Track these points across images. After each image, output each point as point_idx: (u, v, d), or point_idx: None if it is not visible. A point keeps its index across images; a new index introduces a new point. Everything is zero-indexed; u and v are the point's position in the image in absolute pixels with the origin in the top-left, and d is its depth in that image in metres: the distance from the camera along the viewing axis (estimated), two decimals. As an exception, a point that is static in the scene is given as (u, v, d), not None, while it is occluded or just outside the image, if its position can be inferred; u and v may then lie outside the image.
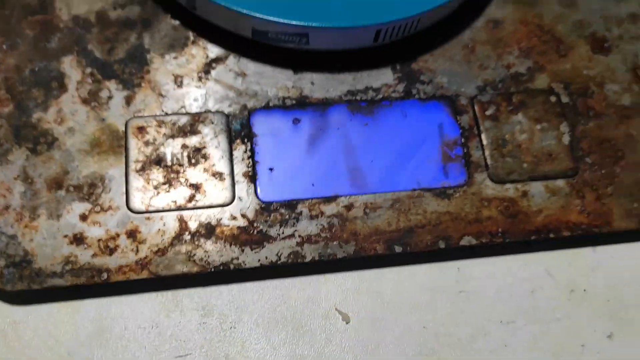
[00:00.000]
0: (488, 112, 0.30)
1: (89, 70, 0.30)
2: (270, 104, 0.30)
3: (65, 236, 0.27)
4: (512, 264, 0.30)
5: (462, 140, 0.30)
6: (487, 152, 0.30)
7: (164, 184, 0.28)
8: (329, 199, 0.28)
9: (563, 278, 0.30)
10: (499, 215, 0.29)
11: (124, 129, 0.29)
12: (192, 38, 0.31)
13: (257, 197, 0.28)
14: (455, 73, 0.31)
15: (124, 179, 0.28)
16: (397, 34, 0.30)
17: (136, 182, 0.28)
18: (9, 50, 0.30)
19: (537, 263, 0.30)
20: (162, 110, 0.29)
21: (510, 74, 0.31)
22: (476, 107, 0.30)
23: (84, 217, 0.27)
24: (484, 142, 0.30)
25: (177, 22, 0.31)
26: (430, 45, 0.32)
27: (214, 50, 0.31)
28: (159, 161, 0.28)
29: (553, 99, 0.31)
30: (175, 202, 0.28)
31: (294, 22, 0.28)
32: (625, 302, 0.30)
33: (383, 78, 0.31)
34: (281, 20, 0.28)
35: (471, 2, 0.32)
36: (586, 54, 0.32)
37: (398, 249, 0.28)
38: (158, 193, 0.28)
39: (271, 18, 0.28)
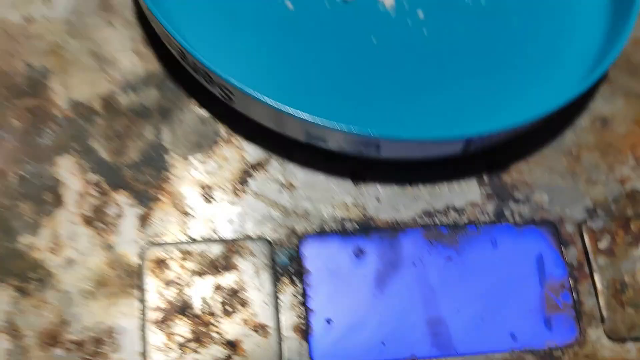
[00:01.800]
0: (601, 245, 0.24)
1: (92, 176, 0.23)
2: (326, 228, 0.23)
3: (59, 416, 0.20)
4: None
5: (570, 282, 0.24)
6: (602, 300, 0.23)
7: (192, 340, 0.21)
8: (403, 363, 0.22)
9: None
10: (616, 384, 0.23)
11: (138, 261, 0.22)
12: (224, 134, 0.24)
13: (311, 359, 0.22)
14: (558, 189, 0.25)
15: (139, 333, 0.21)
16: (490, 143, 0.23)
17: (155, 338, 0.21)
18: (-11, 148, 0.23)
19: None
20: (188, 235, 0.23)
21: (626, 192, 0.25)
22: (586, 237, 0.24)
23: (84, 388, 0.21)
24: (598, 285, 0.24)
25: (205, 113, 0.24)
26: (525, 150, 0.25)
27: (252, 152, 0.24)
28: (184, 309, 0.22)
29: (681, 225, 0.25)
30: (204, 366, 0.21)
31: (365, 133, 0.21)
32: None
33: (468, 194, 0.24)
34: (348, 129, 0.21)
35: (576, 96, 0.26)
36: None
37: None
38: (184, 353, 0.21)
39: (334, 125, 0.21)
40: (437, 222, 0.24)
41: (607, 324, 0.23)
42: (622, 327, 0.23)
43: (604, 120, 0.26)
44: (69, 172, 0.23)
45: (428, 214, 0.24)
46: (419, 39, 0.26)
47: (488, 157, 0.25)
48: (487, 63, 0.26)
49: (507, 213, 0.24)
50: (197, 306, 0.22)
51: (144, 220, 0.23)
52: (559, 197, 0.25)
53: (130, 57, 0.25)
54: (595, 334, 0.23)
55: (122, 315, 0.22)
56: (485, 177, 0.25)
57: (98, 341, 0.21)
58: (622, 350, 0.23)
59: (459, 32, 0.27)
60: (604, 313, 0.23)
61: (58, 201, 0.23)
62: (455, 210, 0.24)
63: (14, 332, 0.21)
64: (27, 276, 0.22)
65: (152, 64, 0.25)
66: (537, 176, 0.25)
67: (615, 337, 0.23)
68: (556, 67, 0.26)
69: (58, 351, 0.21)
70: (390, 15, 0.27)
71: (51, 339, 0.21)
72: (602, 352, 0.23)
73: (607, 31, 0.27)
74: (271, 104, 0.21)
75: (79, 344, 0.21)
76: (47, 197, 0.23)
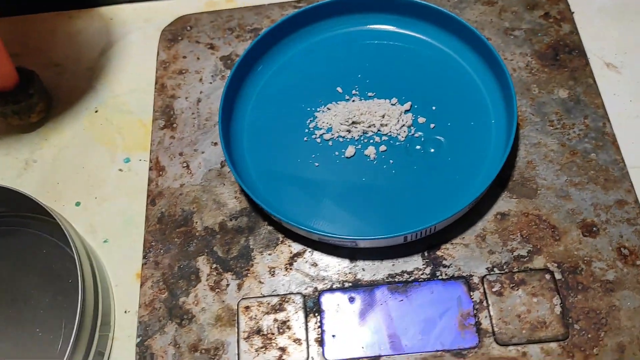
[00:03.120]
0: (494, 289, 0.41)
1: (214, 266, 0.44)
2: (334, 286, 0.42)
3: (199, 385, 0.41)
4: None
5: (474, 311, 0.40)
6: (494, 321, 0.40)
7: (262, 347, 0.41)
8: (374, 358, 0.40)
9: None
10: (502, 371, 0.38)
11: (236, 308, 0.43)
12: (281, 239, 0.45)
13: (324, 357, 0.40)
14: (470, 258, 0.42)
15: (236, 344, 0.41)
16: (421, 235, 0.41)
17: (244, 346, 0.41)
18: (165, 254, 0.45)
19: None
20: (261, 293, 0.43)
21: (514, 257, 0.42)
22: (485, 285, 0.41)
23: (210, 372, 0.41)
24: (491, 313, 0.40)
25: (271, 227, 0.45)
26: (451, 236, 0.43)
27: (295, 247, 0.44)
28: (258, 331, 0.42)
29: (548, 276, 0.40)
30: (269, 361, 0.41)
31: (345, 236, 0.41)
32: None
33: (414, 263, 0.42)
34: (337, 236, 0.41)
35: (483, 200, 0.43)
36: (577, 237, 0.42)
37: (424, 397, 0.38)
38: (258, 354, 0.41)
39: (332, 234, 0.41)
40: (396, 280, 0.42)
41: (497, 335, 0.39)
42: (505, 337, 0.39)
43: (503, 214, 0.43)
44: (202, 264, 0.45)
45: (391, 276, 0.42)
46: (389, 174, 0.45)
47: (428, 241, 0.43)
48: (430, 183, 0.44)
49: (437, 274, 0.42)
50: (265, 329, 0.42)
51: (239, 286, 0.43)
52: (470, 262, 0.42)
53: (232, 201, 0.47)
54: (489, 341, 0.39)
55: (228, 335, 0.42)
56: (426, 253, 0.43)
57: (216, 349, 0.42)
58: (506, 351, 0.39)
59: (413, 167, 0.45)
60: (495, 329, 0.39)
61: (198, 279, 0.44)
62: (407, 273, 0.42)
63: (176, 345, 0.42)
64: (183, 317, 0.43)
65: (244, 203, 0.46)
66: (457, 251, 0.42)
67: (502, 343, 0.39)
68: (469, 185, 0.44)
69: (196, 354, 0.42)
70: (373, 163, 0.46)
71: (194, 348, 0.42)
72: (493, 352, 0.39)
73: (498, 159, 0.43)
74: (301, 227, 0.41)
75: (207, 351, 0.42)
76: (192, 277, 0.44)
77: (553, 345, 0.39)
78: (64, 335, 0.45)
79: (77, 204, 0.51)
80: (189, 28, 0.55)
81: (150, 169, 0.49)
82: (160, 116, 0.51)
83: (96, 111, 0.55)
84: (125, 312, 0.46)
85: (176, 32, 0.55)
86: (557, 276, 0.41)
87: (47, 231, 0.49)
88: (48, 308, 0.46)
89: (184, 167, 0.48)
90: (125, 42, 0.58)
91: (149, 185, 0.48)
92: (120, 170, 0.51)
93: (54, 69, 0.57)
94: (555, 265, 0.41)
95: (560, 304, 0.40)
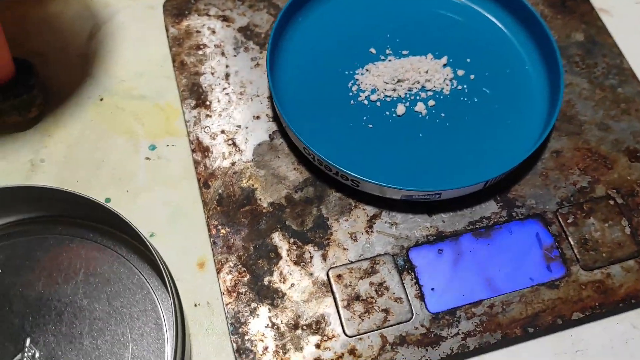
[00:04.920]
0: (569, 220, 0.43)
1: (292, 240, 0.43)
2: (419, 242, 0.43)
3: (310, 361, 0.40)
4: (608, 325, 0.42)
5: (556, 244, 0.43)
6: (575, 250, 0.43)
7: (365, 312, 0.41)
8: (476, 303, 0.41)
9: (645, 328, 0.42)
10: (594, 293, 0.41)
11: (326, 278, 0.42)
12: (353, 204, 0.44)
13: (428, 310, 0.41)
14: (539, 195, 0.44)
15: (337, 314, 0.41)
16: (497, 180, 0.43)
17: (346, 314, 0.41)
18: (235, 235, 0.43)
19: (625, 321, 0.42)
20: (349, 260, 0.42)
21: (577, 189, 0.45)
22: (560, 219, 0.43)
23: (317, 346, 0.40)
24: (572, 242, 0.43)
25: (340, 194, 0.45)
26: (517, 178, 0.45)
27: (371, 210, 0.44)
28: (357, 297, 0.41)
29: (611, 202, 0.44)
30: (375, 324, 0.40)
31: (430, 190, 0.41)
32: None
33: (490, 208, 0.44)
34: (424, 190, 0.41)
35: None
36: (626, 163, 0.45)
37: (531, 330, 0.40)
38: (362, 320, 0.41)
39: (418, 189, 0.41)
40: (477, 227, 0.43)
41: (581, 262, 0.42)
42: (589, 262, 0.42)
43: (557, 152, 0.46)
44: (279, 240, 0.43)
45: (472, 223, 0.44)
46: (444, 127, 0.47)
47: (498, 186, 0.45)
48: (485, 133, 0.46)
49: (513, 214, 0.44)
50: (363, 294, 0.41)
51: (324, 257, 0.43)
52: (540, 200, 0.44)
53: (293, 173, 0.45)
54: (575, 268, 0.42)
55: (327, 307, 0.41)
56: (498, 197, 0.44)
57: (318, 322, 0.41)
58: (592, 275, 0.42)
59: (465, 119, 0.47)
60: (578, 257, 0.42)
61: (278, 256, 0.43)
62: (486, 218, 0.44)
63: (274, 326, 0.41)
64: (274, 296, 0.41)
65: (305, 174, 0.45)
66: (526, 191, 0.45)
67: (587, 268, 0.42)
68: (525, 129, 0.46)
69: (298, 331, 0.41)
70: (426, 119, 0.47)
71: (294, 325, 0.41)
72: (581, 278, 0.42)
73: (550, 103, 0.46)
74: (386, 185, 0.41)
75: (309, 326, 0.41)
76: (272, 255, 0.43)
77: (631, 262, 0.42)
78: (133, 341, 0.41)
79: (107, 200, 0.47)
80: (193, 1, 0.51)
81: (193, 151, 0.46)
82: (189, 95, 0.48)
83: (101, 99, 0.50)
84: (195, 305, 0.43)
85: (180, 7, 0.51)
86: (619, 200, 0.44)
87: (78, 233, 0.44)
88: (104, 317, 0.42)
89: (229, 144, 0.46)
90: (114, 23, 0.54)
91: (196, 168, 0.45)
92: (147, 158, 0.48)
93: (38, 59, 0.51)
94: (615, 191, 0.45)
95: (629, 224, 0.43)
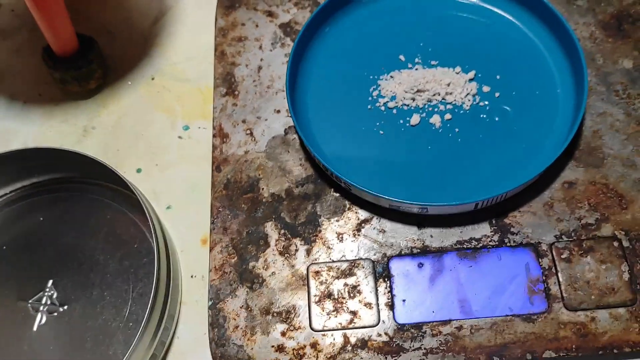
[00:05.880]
0: (563, 256, 0.41)
1: (282, 231, 0.45)
2: (402, 252, 0.43)
3: (272, 346, 0.42)
4: (587, 370, 0.40)
5: (543, 278, 0.41)
6: (562, 287, 0.41)
7: (333, 311, 0.42)
8: (445, 322, 0.41)
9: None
10: (573, 335, 0.39)
11: (306, 272, 0.43)
12: (348, 206, 0.45)
13: (395, 320, 0.41)
14: (537, 225, 0.43)
15: (307, 307, 0.42)
16: (490, 203, 0.42)
17: (315, 309, 0.42)
18: (233, 219, 0.46)
19: (606, 370, 0.40)
20: (330, 259, 0.44)
21: (581, 225, 0.42)
22: (554, 252, 0.42)
23: (283, 334, 0.42)
24: (560, 279, 0.41)
25: (337, 194, 0.46)
26: (519, 204, 0.43)
27: (363, 214, 0.45)
28: (329, 295, 0.43)
29: (616, 243, 0.41)
30: (340, 323, 0.42)
31: (417, 203, 0.41)
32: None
33: (482, 230, 0.43)
34: (409, 202, 0.41)
35: (550, 169, 0.43)
36: (644, 205, 0.42)
37: (496, 359, 0.39)
38: (330, 317, 0.42)
39: (403, 200, 0.41)
40: (464, 247, 0.43)
41: (566, 300, 0.40)
42: (574, 303, 0.40)
43: (570, 183, 0.44)
44: (271, 230, 0.45)
45: (460, 242, 0.43)
46: (455, 143, 0.46)
47: (495, 209, 0.43)
48: (497, 152, 0.45)
49: (506, 240, 0.43)
50: (336, 294, 0.43)
51: (308, 252, 0.44)
52: (538, 230, 0.42)
53: (298, 168, 0.47)
54: (558, 306, 0.40)
55: (299, 299, 0.43)
56: (494, 221, 0.43)
57: (288, 312, 0.43)
58: (575, 315, 0.40)
59: (479, 136, 0.46)
60: (564, 294, 0.40)
61: (267, 244, 0.45)
62: (475, 240, 0.43)
63: (248, 308, 0.43)
64: (254, 281, 0.44)
65: (309, 171, 0.47)
66: (525, 219, 0.43)
67: (571, 308, 0.40)
68: (537, 155, 0.44)
69: (269, 317, 0.43)
70: (439, 131, 0.47)
71: (266, 311, 0.43)
72: (562, 317, 0.40)
73: (569, 126, 0.44)
74: (372, 192, 0.42)
75: (279, 314, 0.43)
76: (261, 242, 0.45)
77: (621, 310, 0.40)
78: (132, 299, 0.46)
79: (139, 170, 0.51)
80: (245, -5, 0.55)
81: (214, 135, 0.49)
82: (222, 83, 0.51)
83: (152, 79, 0.55)
84: (192, 276, 0.47)
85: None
86: (625, 244, 0.41)
87: (109, 197, 0.50)
88: (115, 273, 0.47)
89: (247, 134, 0.49)
90: (178, 9, 0.58)
91: (213, 151, 0.49)
92: (180, 137, 0.52)
93: (107, 36, 0.58)
94: (623, 233, 0.42)
95: (629, 270, 0.40)
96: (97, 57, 0.53)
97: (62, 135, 0.54)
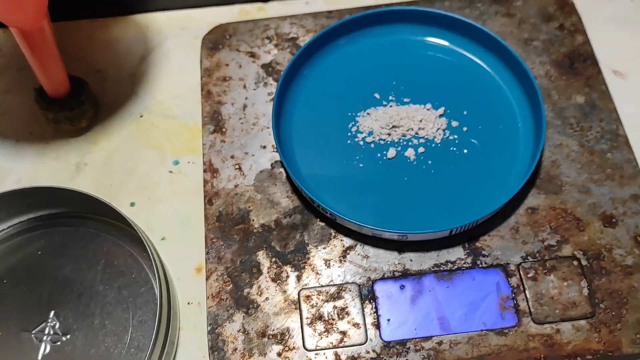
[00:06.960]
0: (529, 275, 0.46)
1: (274, 259, 0.49)
2: (385, 276, 0.47)
3: (269, 367, 0.45)
4: (554, 377, 0.44)
5: (513, 295, 0.46)
6: (530, 303, 0.45)
7: (324, 331, 0.46)
8: (426, 338, 0.45)
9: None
10: (541, 346, 0.44)
11: (297, 297, 0.47)
12: (333, 234, 0.49)
13: (381, 338, 0.45)
14: (506, 248, 0.47)
15: (300, 329, 0.46)
16: (464, 229, 0.46)
17: (308, 331, 0.46)
18: (227, 249, 0.49)
19: (571, 376, 0.44)
20: (319, 283, 0.47)
21: (544, 246, 0.47)
22: (521, 272, 0.46)
23: (279, 354, 0.45)
24: (528, 296, 0.45)
25: (323, 224, 0.50)
26: (488, 229, 0.48)
27: (347, 242, 0.49)
28: (320, 317, 0.46)
29: (575, 262, 0.46)
30: (331, 343, 0.45)
31: (397, 231, 0.46)
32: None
33: (457, 254, 0.47)
34: (389, 230, 0.46)
35: (515, 197, 0.48)
36: (599, 228, 0.47)
37: (473, 371, 0.44)
38: (321, 337, 0.46)
39: (385, 229, 0.46)
40: (441, 269, 0.47)
41: (533, 315, 0.45)
42: (541, 317, 0.45)
43: (533, 209, 0.49)
44: (263, 258, 0.49)
45: (437, 265, 0.47)
46: (429, 174, 0.50)
47: (468, 234, 0.48)
48: (467, 181, 0.50)
49: (478, 262, 0.47)
50: (326, 315, 0.46)
51: (299, 278, 0.48)
52: (506, 252, 0.47)
53: (285, 200, 0.51)
54: (527, 320, 0.45)
55: (292, 322, 0.46)
56: (466, 244, 0.48)
57: (282, 334, 0.46)
58: (542, 328, 0.45)
59: (450, 168, 0.50)
60: (532, 310, 0.45)
61: (259, 272, 0.48)
62: (451, 262, 0.47)
63: (245, 332, 0.46)
64: (249, 306, 0.47)
65: (296, 202, 0.51)
66: (494, 242, 0.48)
67: (538, 322, 0.45)
68: (503, 184, 0.49)
69: (265, 339, 0.46)
70: (413, 164, 0.51)
71: (262, 333, 0.46)
72: (531, 329, 0.45)
73: (530, 157, 0.49)
74: (355, 221, 0.46)
75: (275, 336, 0.46)
76: (254, 270, 0.48)
77: (582, 322, 0.44)
78: (133, 327, 0.48)
79: (132, 204, 0.54)
80: (228, 37, 0.58)
81: (204, 170, 0.52)
82: (210, 121, 0.54)
83: (141, 116, 0.58)
84: (189, 303, 0.50)
85: (216, 41, 0.58)
86: (584, 262, 0.46)
87: (104, 230, 0.52)
88: (114, 302, 0.49)
89: (236, 169, 0.52)
90: (163, 49, 0.62)
91: (204, 186, 0.52)
92: (170, 172, 0.55)
93: (96, 75, 0.60)
94: (581, 252, 0.47)
95: (587, 286, 0.45)
96: (88, 97, 0.56)
97: (55, 172, 0.56)
